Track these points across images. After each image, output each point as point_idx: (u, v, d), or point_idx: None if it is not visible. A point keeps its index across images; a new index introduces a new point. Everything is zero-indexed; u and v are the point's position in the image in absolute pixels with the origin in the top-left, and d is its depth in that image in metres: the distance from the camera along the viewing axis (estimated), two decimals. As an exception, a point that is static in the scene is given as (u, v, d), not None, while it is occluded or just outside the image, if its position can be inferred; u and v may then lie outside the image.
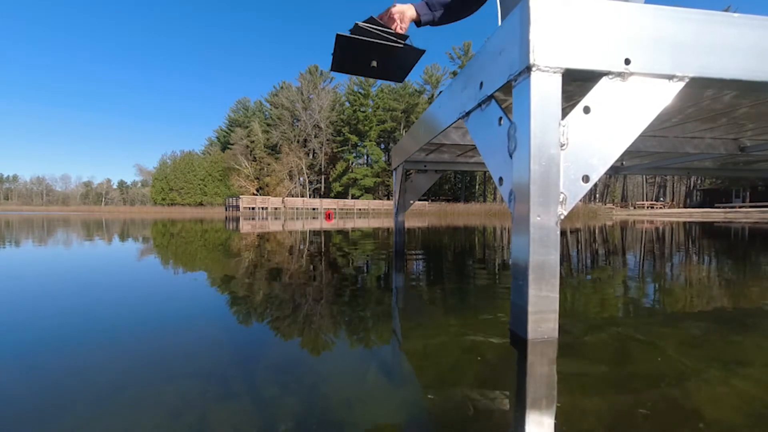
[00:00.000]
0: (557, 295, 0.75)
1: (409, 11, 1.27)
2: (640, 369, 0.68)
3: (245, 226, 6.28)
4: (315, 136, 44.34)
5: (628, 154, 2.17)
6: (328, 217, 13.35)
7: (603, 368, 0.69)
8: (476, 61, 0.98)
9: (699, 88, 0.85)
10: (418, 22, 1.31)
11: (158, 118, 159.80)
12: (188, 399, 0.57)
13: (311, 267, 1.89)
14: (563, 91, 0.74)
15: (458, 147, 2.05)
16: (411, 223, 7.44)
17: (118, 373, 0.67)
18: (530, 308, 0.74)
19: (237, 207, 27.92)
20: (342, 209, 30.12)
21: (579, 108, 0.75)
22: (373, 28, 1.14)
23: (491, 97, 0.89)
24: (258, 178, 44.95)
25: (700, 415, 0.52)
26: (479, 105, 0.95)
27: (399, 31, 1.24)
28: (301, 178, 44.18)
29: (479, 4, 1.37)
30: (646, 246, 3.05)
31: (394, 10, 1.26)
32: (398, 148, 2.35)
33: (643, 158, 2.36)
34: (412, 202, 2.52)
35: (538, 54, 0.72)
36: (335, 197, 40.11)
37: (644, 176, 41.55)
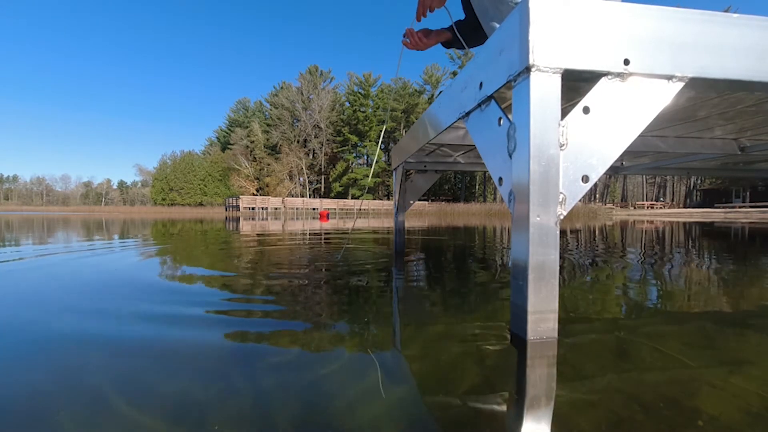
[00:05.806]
0: (557, 295, 0.75)
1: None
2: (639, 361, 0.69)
3: (245, 227, 6.27)
4: (315, 136, 44.36)
5: (628, 154, 2.17)
6: (326, 217, 12.82)
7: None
8: (476, 62, 0.98)
9: (698, 88, 0.85)
10: (447, 44, 1.60)
11: (158, 118, 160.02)
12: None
13: (322, 265, 1.89)
14: (563, 91, 0.74)
15: (458, 147, 2.05)
16: (411, 223, 7.43)
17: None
18: (530, 308, 0.74)
19: (237, 207, 27.94)
20: (342, 209, 30.14)
21: (578, 108, 0.75)
22: None
23: (491, 97, 0.89)
24: (258, 178, 44.98)
25: (700, 412, 0.52)
26: (479, 105, 0.95)
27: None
28: (301, 178, 44.21)
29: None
30: (646, 246, 3.05)
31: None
32: (398, 148, 2.35)
33: (643, 158, 2.35)
34: (412, 202, 2.52)
35: (537, 54, 0.72)
36: (335, 197, 40.13)
37: (644, 176, 41.54)
